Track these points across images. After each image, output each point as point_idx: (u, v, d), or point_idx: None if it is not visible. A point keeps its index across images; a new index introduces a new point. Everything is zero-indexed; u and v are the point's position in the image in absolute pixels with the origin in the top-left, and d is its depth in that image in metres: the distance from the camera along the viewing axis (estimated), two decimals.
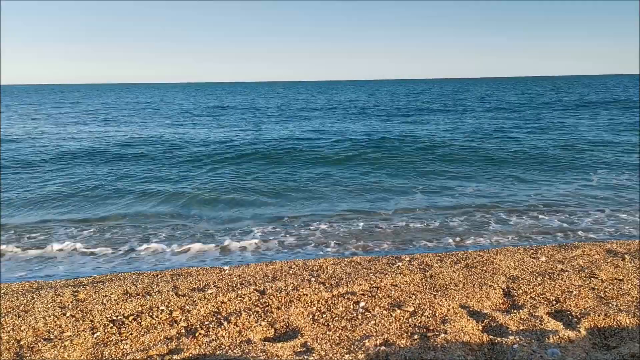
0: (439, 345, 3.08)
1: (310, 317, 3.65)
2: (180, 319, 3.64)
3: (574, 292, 3.97)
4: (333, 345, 3.17)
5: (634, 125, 19.63)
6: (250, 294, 4.09)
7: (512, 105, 34.03)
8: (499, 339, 3.13)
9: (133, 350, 3.20)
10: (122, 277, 4.79)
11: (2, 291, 4.41)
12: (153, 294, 4.15)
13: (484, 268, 4.67)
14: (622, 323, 3.37)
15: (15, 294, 4.28)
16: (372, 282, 4.30)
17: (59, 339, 3.35)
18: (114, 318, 3.67)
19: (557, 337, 3.14)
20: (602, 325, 3.38)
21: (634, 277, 4.32)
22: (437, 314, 3.59)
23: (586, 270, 4.54)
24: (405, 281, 4.34)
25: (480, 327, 3.38)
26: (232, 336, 3.36)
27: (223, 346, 3.19)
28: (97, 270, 5.56)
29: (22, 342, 3.33)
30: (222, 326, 3.49)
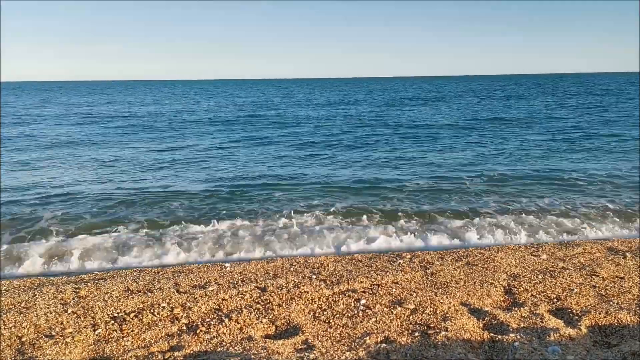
0: (439, 343, 3.08)
1: (311, 314, 3.65)
2: (182, 316, 3.65)
3: (575, 290, 3.97)
4: (334, 343, 3.18)
5: None
6: (251, 291, 4.10)
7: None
8: (499, 336, 3.13)
9: (134, 347, 3.20)
10: (123, 274, 4.80)
11: (4, 288, 4.42)
12: (154, 290, 4.16)
13: (485, 266, 4.67)
14: (623, 321, 3.37)
15: (16, 291, 4.29)
16: (373, 280, 4.30)
17: (61, 336, 3.36)
18: (116, 315, 3.68)
19: (558, 334, 3.14)
20: (603, 323, 3.38)
21: (635, 275, 4.32)
22: (438, 312, 3.60)
23: (587, 268, 4.53)
24: (406, 279, 4.34)
25: (481, 325, 3.38)
26: (233, 333, 3.36)
27: (224, 343, 3.20)
28: None
29: (23, 339, 3.34)
30: (223, 323, 3.50)
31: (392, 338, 3.20)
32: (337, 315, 3.60)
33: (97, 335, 3.38)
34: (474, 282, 4.21)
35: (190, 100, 43.82)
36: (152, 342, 3.26)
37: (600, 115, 22.54)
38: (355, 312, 3.66)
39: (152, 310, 3.73)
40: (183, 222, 6.87)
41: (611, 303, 3.68)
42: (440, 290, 4.04)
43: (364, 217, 7.08)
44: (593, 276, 4.32)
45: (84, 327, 3.48)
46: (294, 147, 14.68)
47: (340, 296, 3.97)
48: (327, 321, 3.52)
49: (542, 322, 3.35)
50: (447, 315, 3.53)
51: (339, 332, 3.34)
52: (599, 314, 3.47)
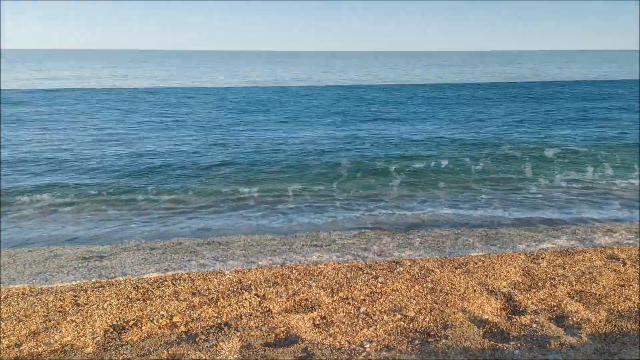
0: (439, 351, 3.07)
1: (311, 322, 3.64)
2: (181, 323, 3.64)
3: (575, 298, 3.96)
4: (333, 351, 3.17)
5: None
6: (250, 298, 4.09)
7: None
8: (500, 344, 3.13)
9: (133, 355, 3.19)
10: (122, 282, 4.79)
11: (3, 295, 4.41)
12: (154, 298, 4.15)
13: (485, 273, 4.66)
14: (624, 329, 3.36)
15: (15, 298, 4.28)
16: (372, 287, 4.30)
17: (60, 344, 3.35)
18: (115, 323, 3.67)
19: (559, 342, 3.13)
20: (603, 331, 3.37)
21: (635, 283, 4.31)
22: (438, 319, 3.59)
23: (587, 276, 4.53)
24: (406, 286, 4.33)
25: (481, 333, 3.37)
26: (232, 341, 3.35)
27: (223, 351, 3.19)
28: None
29: (22, 347, 3.32)
30: (223, 331, 3.49)
31: (392, 346, 3.19)
32: (337, 323, 3.59)
33: (96, 343, 3.37)
34: (474, 290, 4.20)
35: None
36: (151, 350, 3.25)
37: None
38: (355, 319, 3.65)
39: (151, 318, 3.72)
40: None
41: (611, 311, 3.67)
42: (440, 297, 4.03)
43: None
44: (593, 284, 4.31)
45: (83, 335, 3.47)
46: None
47: (340, 303, 3.96)
48: (326, 329, 3.51)
49: (543, 330, 3.34)
50: (448, 323, 3.52)
51: (338, 340, 3.33)
52: (600, 321, 3.46)
